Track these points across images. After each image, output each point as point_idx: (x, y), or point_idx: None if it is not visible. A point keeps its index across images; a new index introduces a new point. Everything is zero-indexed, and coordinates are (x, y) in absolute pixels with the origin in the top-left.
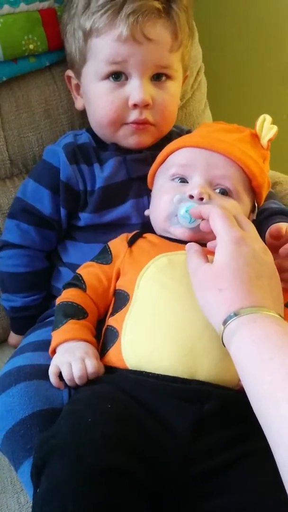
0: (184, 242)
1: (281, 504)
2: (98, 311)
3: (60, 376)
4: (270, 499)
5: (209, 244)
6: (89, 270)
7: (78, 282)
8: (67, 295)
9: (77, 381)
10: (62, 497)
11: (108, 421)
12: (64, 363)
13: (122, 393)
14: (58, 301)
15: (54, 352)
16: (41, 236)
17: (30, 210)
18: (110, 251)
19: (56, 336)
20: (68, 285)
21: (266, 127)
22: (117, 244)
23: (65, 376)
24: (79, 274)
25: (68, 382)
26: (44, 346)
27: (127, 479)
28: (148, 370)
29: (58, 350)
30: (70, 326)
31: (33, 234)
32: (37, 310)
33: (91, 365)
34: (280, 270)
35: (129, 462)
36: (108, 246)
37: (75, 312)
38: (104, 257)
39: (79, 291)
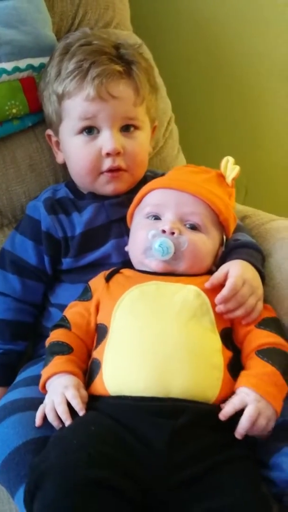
0: (155, 274)
1: (257, 505)
2: (86, 345)
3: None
4: (246, 501)
5: None
6: (73, 310)
7: (63, 323)
8: (53, 336)
9: (61, 416)
10: None
11: (93, 441)
12: (48, 402)
13: (105, 416)
14: (46, 343)
15: (44, 388)
16: (23, 286)
17: (17, 261)
18: (90, 288)
19: (44, 373)
20: (55, 326)
21: (230, 168)
22: (96, 281)
23: (48, 417)
24: (64, 315)
25: (52, 422)
26: (37, 380)
27: (113, 492)
28: (126, 394)
29: (47, 388)
30: (54, 362)
31: (15, 283)
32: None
33: (71, 395)
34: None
35: (114, 477)
36: (89, 284)
37: (60, 349)
38: (85, 294)
39: (64, 330)
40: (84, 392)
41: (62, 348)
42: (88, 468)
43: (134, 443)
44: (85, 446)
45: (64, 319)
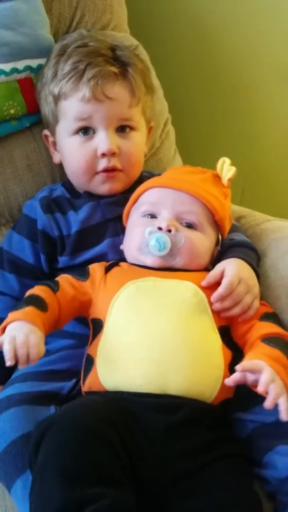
0: (151, 268)
1: (248, 503)
2: (59, 315)
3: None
4: (237, 499)
5: None
6: (65, 280)
7: (52, 284)
8: (36, 290)
9: (18, 351)
10: (60, 457)
11: (100, 409)
12: (7, 336)
13: (107, 400)
14: (27, 293)
15: (4, 330)
16: (21, 285)
17: (14, 260)
18: (89, 272)
19: (11, 315)
20: (43, 283)
21: (226, 168)
22: (96, 268)
23: (6, 345)
24: (56, 280)
25: (7, 354)
26: (33, 376)
27: (116, 451)
28: (123, 390)
29: (8, 327)
30: (27, 310)
31: (13, 282)
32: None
33: (34, 341)
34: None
35: (117, 442)
36: (88, 268)
37: (38, 303)
38: (84, 276)
39: (49, 290)
40: (43, 350)
41: (40, 304)
42: (95, 422)
43: (134, 427)
44: (94, 411)
45: (55, 282)
